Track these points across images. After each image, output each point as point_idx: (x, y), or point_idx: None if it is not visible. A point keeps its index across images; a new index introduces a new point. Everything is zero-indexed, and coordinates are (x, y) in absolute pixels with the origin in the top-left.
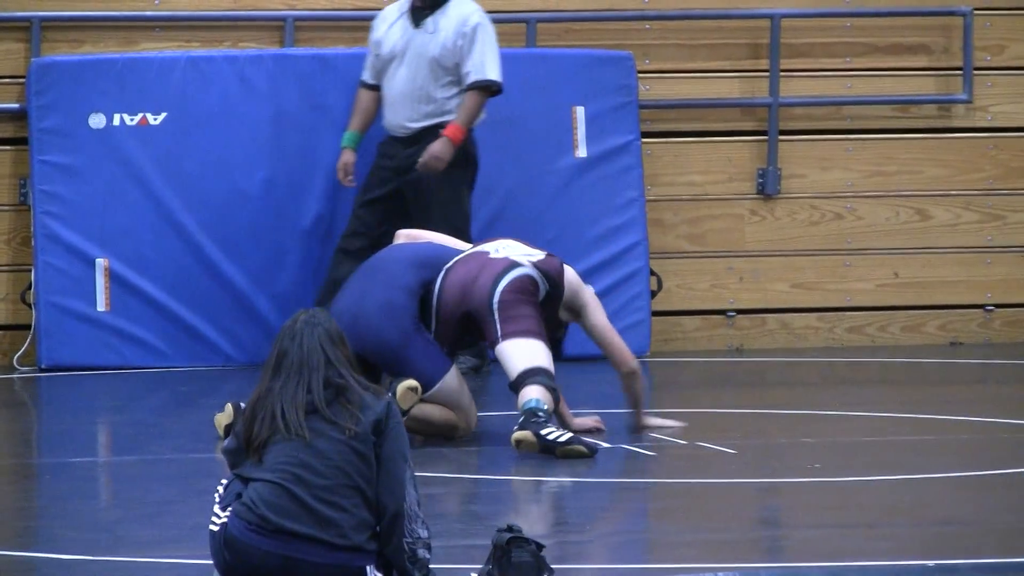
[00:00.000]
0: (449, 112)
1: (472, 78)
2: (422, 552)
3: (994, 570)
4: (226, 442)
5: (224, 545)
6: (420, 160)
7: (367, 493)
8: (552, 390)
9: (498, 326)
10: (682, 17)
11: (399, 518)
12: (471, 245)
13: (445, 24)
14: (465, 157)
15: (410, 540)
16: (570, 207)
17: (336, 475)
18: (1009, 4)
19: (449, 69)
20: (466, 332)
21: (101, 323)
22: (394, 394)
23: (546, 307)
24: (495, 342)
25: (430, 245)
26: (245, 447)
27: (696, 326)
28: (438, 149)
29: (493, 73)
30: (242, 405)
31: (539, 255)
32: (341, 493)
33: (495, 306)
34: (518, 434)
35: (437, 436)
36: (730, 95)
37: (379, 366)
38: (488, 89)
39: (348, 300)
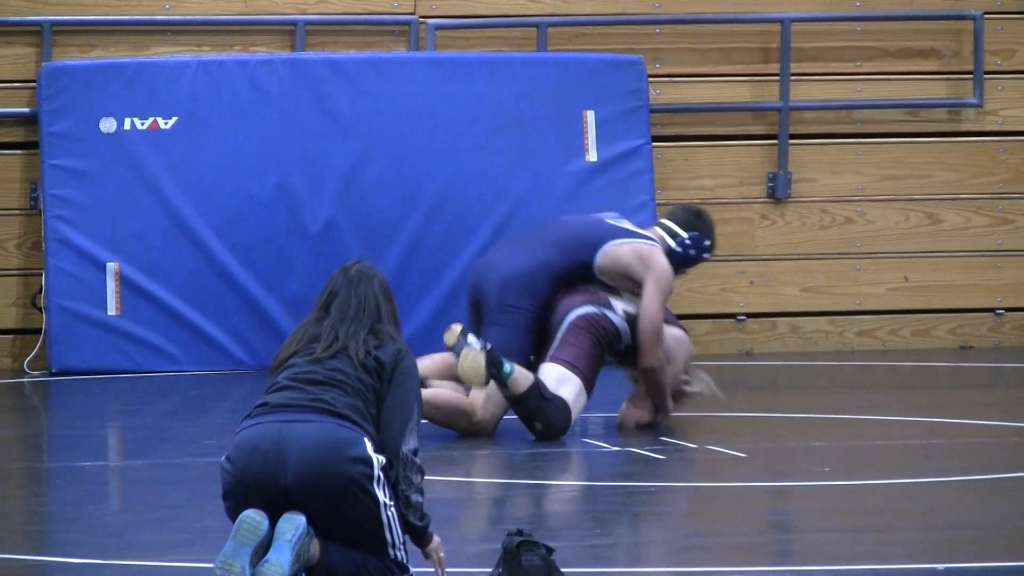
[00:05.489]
0: None
1: None
2: (415, 497)
3: (1004, 574)
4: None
5: (226, 457)
6: None
7: (364, 404)
8: (540, 399)
9: (554, 346)
10: (692, 21)
11: (394, 464)
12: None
13: None
14: None
15: (404, 487)
16: (580, 211)
17: (336, 381)
18: (1020, 8)
19: None
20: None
21: (112, 327)
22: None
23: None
24: (543, 356)
25: (590, 223)
26: (273, 364)
27: (706, 330)
28: None
29: None
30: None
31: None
32: (340, 389)
33: (564, 327)
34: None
35: (449, 424)
36: (740, 99)
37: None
38: None
39: (496, 256)
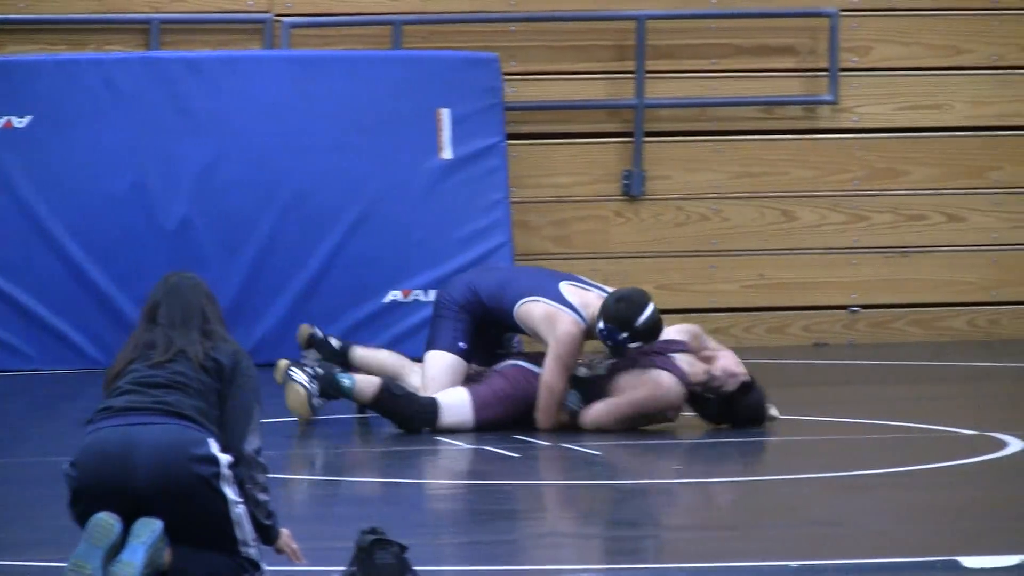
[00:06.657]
0: None
1: None
2: (262, 495)
3: (859, 571)
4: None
5: (71, 463)
6: None
7: (207, 404)
8: (392, 399)
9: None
10: (548, 19)
11: (238, 464)
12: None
13: None
14: None
15: (250, 486)
16: (436, 209)
17: (177, 383)
18: (875, 5)
19: None
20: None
21: None
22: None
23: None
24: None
25: (535, 275)
26: (108, 376)
27: None
28: None
29: None
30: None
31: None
32: (182, 391)
33: (491, 372)
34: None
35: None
36: (596, 97)
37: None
38: None
39: (501, 272)
